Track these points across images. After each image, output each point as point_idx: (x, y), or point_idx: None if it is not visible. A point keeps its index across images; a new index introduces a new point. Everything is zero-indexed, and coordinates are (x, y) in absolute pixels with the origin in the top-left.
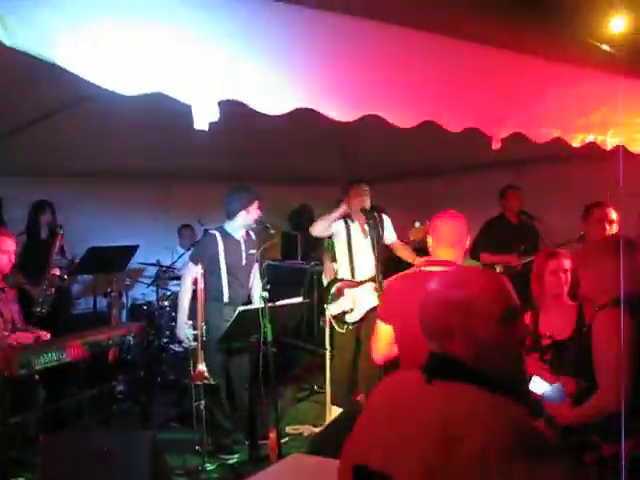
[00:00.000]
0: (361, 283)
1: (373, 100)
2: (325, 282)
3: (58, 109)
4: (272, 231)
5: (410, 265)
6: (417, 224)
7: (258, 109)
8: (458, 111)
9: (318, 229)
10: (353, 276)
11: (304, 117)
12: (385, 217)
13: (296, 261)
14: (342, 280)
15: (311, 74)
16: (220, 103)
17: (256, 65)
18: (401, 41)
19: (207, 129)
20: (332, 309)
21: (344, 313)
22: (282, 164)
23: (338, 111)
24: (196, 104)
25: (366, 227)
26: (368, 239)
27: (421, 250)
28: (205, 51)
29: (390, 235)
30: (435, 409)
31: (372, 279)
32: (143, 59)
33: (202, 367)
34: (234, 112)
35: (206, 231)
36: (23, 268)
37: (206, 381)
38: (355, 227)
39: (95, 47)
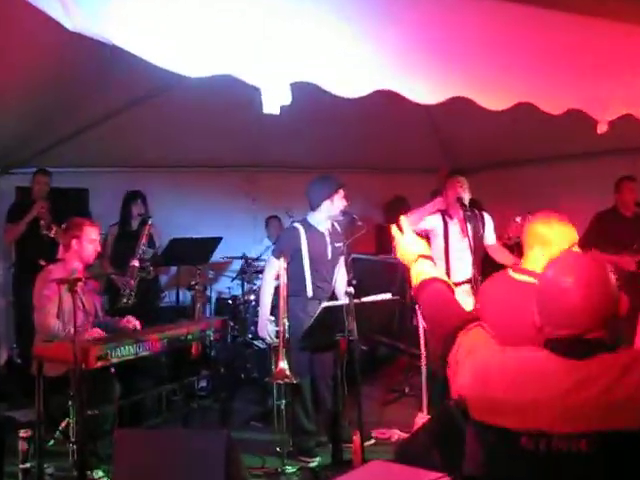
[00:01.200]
0: (457, 285)
1: (460, 80)
2: None
3: (142, 99)
4: (360, 223)
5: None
6: (518, 220)
7: (333, 92)
8: (557, 91)
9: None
10: (449, 276)
11: (399, 101)
12: (486, 215)
13: (389, 256)
14: None
15: (391, 52)
16: (296, 86)
17: (330, 44)
18: (489, 14)
19: (278, 113)
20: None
21: None
22: (377, 152)
23: (421, 93)
24: (265, 86)
25: (468, 225)
26: (467, 239)
27: (519, 248)
28: (274, 28)
29: (490, 235)
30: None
31: (469, 281)
32: (209, 38)
33: (284, 365)
34: (320, 97)
35: (290, 225)
36: (114, 258)
37: (288, 380)
38: (454, 225)
39: (158, 27)
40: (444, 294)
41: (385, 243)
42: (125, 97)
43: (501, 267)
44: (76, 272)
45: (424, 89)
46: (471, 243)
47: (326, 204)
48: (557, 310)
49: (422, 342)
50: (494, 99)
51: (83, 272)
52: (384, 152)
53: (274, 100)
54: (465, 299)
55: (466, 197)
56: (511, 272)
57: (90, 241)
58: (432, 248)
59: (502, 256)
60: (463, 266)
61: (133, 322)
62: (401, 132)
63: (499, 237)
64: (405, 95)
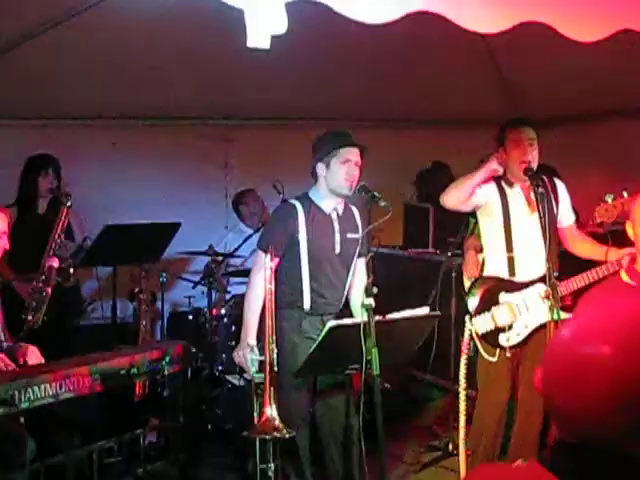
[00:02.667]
0: (524, 285)
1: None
2: (467, 283)
3: (58, 18)
4: (383, 203)
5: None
6: (609, 198)
7: (349, 15)
8: None
9: (452, 199)
10: (512, 273)
11: (441, 28)
12: (559, 184)
13: (425, 250)
14: (493, 279)
15: None
16: (290, 6)
17: None
18: None
19: (268, 47)
20: (478, 324)
21: (497, 331)
22: (407, 99)
23: (475, 18)
24: (250, 7)
25: (532, 197)
26: (535, 216)
27: (615, 238)
28: None
29: (566, 214)
30: None
31: (541, 279)
32: None
33: (272, 412)
34: (328, 22)
35: (283, 202)
36: (11, 257)
37: (277, 434)
38: (516, 196)
39: None
40: None
41: (418, 230)
42: (33, 17)
43: (584, 263)
44: None
45: (481, 12)
46: (544, 222)
47: (320, 169)
48: None
49: (462, 376)
50: (584, 26)
51: None
52: (416, 99)
53: (263, 28)
54: (538, 306)
55: (534, 158)
56: (624, 276)
57: None
58: (486, 231)
59: (585, 247)
60: (534, 257)
61: (33, 357)
62: (442, 71)
63: (582, 225)
64: (452, 19)
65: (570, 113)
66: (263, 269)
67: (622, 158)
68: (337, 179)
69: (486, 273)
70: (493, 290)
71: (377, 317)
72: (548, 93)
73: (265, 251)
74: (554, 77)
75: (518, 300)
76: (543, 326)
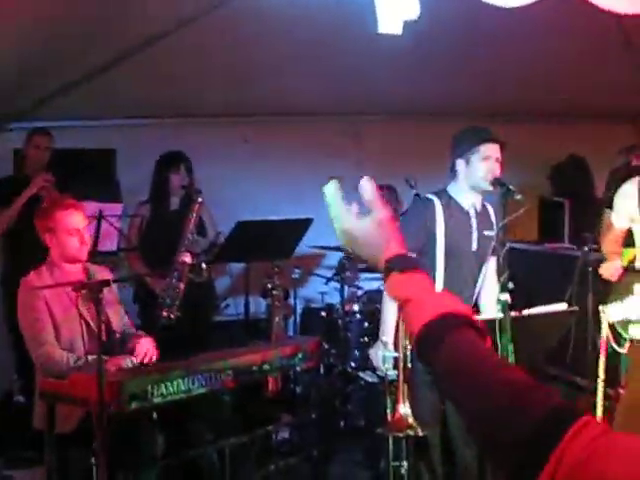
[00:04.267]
0: None
1: None
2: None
3: (185, 21)
4: (518, 196)
5: None
6: None
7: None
8: None
9: None
10: None
11: (581, 13)
12: None
13: (561, 244)
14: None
15: None
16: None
17: None
18: None
19: (400, 32)
20: (612, 312)
21: (628, 322)
22: (545, 92)
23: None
24: None
25: None
26: None
27: None
28: None
29: None
30: None
31: None
32: None
33: (405, 410)
34: (463, 8)
35: (417, 197)
36: (145, 252)
37: (410, 432)
38: None
39: None
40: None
41: (553, 225)
42: (164, 19)
43: None
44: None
45: None
46: None
47: (460, 165)
48: None
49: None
50: None
51: (85, 273)
52: (553, 92)
53: (394, 13)
54: None
55: None
56: None
57: (68, 232)
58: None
59: None
60: None
61: (146, 349)
62: (580, 62)
63: None
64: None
65: None
66: None
67: None
68: (477, 176)
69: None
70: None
71: (513, 313)
72: None
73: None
74: None
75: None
76: None
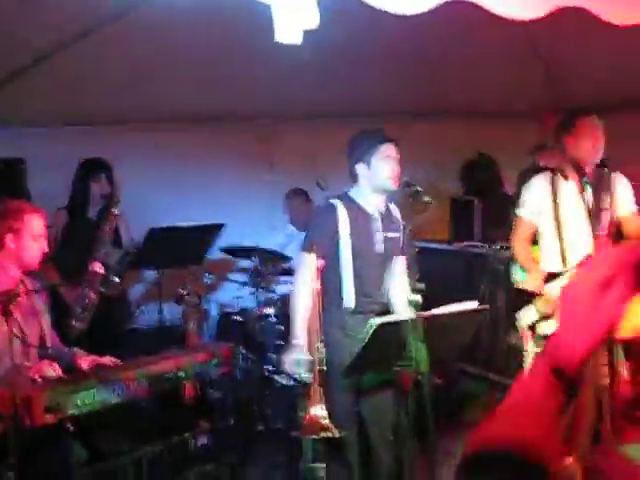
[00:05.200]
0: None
1: None
2: (517, 276)
3: (95, 26)
4: (426, 198)
5: None
6: None
7: (384, 7)
8: None
9: None
10: (564, 263)
11: (480, 17)
12: (619, 177)
13: (471, 242)
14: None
15: None
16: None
17: None
18: None
19: (299, 42)
20: (524, 316)
21: (542, 321)
22: (451, 90)
23: (514, 4)
24: (277, 3)
25: (587, 187)
26: (584, 208)
27: None
28: None
29: (626, 204)
30: None
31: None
32: None
33: (319, 412)
34: (364, 15)
35: (324, 202)
36: (60, 261)
37: (326, 433)
38: (568, 189)
39: None
40: None
41: (464, 224)
42: (67, 26)
43: None
44: None
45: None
46: (590, 211)
47: (361, 170)
48: None
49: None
50: (623, 9)
51: (25, 281)
52: (460, 89)
53: (293, 22)
54: None
55: (600, 148)
56: None
57: (34, 237)
58: (540, 224)
59: None
60: (583, 245)
61: (91, 359)
62: (485, 60)
63: None
64: (489, 8)
65: (623, 99)
66: (308, 269)
67: None
68: (381, 176)
69: (542, 266)
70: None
71: (424, 313)
72: (596, 79)
73: (309, 251)
74: (601, 63)
75: (558, 287)
76: None
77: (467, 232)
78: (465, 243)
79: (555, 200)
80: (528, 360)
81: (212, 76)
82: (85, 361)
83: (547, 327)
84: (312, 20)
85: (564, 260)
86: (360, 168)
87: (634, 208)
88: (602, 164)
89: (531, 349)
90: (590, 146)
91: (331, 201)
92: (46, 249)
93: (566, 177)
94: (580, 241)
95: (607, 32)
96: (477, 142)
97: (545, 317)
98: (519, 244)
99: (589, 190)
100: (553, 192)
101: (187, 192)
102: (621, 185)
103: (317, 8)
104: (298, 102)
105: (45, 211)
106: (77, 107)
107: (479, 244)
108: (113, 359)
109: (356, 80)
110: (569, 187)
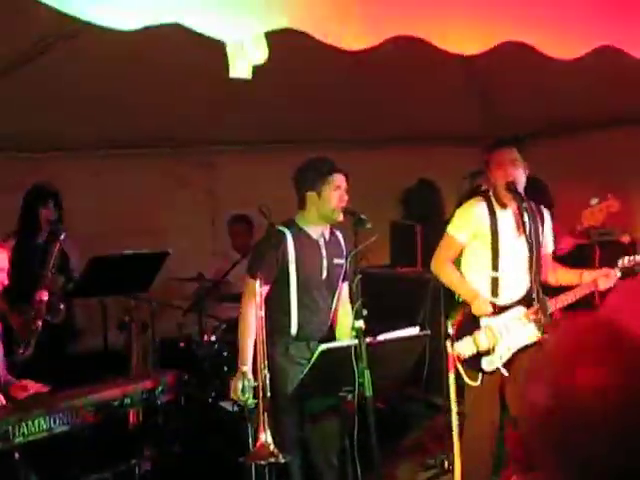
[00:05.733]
0: (505, 308)
1: (512, 19)
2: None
3: (43, 48)
4: (369, 225)
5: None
6: (594, 201)
7: (331, 43)
8: None
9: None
10: (496, 294)
11: (421, 50)
12: (545, 211)
13: (413, 268)
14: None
15: None
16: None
17: None
18: None
19: (250, 77)
20: (460, 348)
21: (479, 355)
22: (392, 118)
23: (456, 40)
24: (231, 40)
25: (526, 219)
26: (523, 239)
27: (604, 249)
28: None
29: (547, 242)
30: None
31: (525, 301)
32: None
33: (266, 438)
34: (310, 49)
35: (270, 228)
36: (8, 288)
37: (272, 459)
38: (506, 217)
39: None
40: None
41: (405, 249)
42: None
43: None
44: None
45: (461, 34)
46: (532, 244)
47: (311, 198)
48: None
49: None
50: (564, 44)
51: None
52: (401, 117)
53: (244, 60)
54: (520, 328)
55: (521, 179)
56: None
57: None
58: (472, 252)
59: (559, 274)
60: (518, 278)
61: (33, 388)
62: (425, 89)
63: (569, 232)
64: (434, 42)
65: (552, 125)
66: (253, 296)
67: (605, 168)
68: (330, 206)
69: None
70: (472, 314)
71: (368, 339)
72: (530, 109)
73: (254, 277)
74: (534, 90)
75: (499, 323)
76: (527, 348)
77: (408, 257)
78: (407, 268)
79: (493, 227)
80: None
81: (152, 104)
82: (20, 389)
83: (489, 362)
84: (262, 56)
85: (495, 292)
86: (310, 196)
87: (552, 248)
88: (540, 185)
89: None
90: (502, 177)
91: (278, 227)
92: (6, 282)
93: (504, 205)
94: (514, 275)
95: (543, 63)
96: (420, 167)
97: (484, 352)
98: (448, 266)
99: (527, 220)
100: (492, 218)
101: (128, 219)
102: (547, 221)
103: (266, 44)
104: (237, 129)
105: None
106: (19, 132)
107: (420, 269)
108: (46, 387)
109: (293, 107)
110: (507, 215)
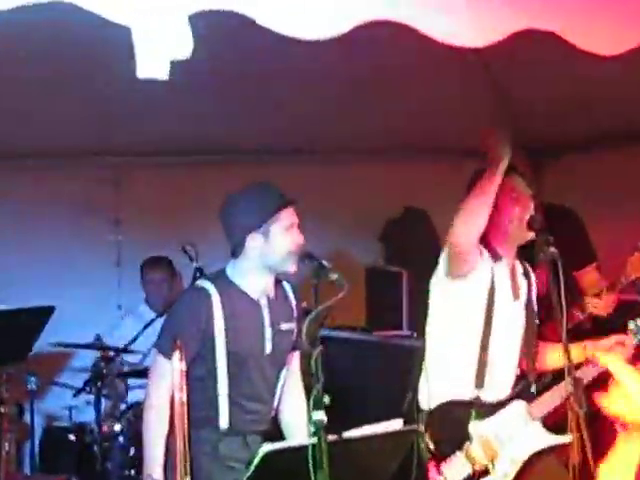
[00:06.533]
0: (497, 406)
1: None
2: None
3: None
4: (334, 276)
5: None
6: None
7: (278, 30)
8: None
9: (471, 230)
10: (480, 384)
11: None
12: (531, 270)
13: (397, 332)
14: (454, 404)
15: None
16: (195, 19)
17: None
18: None
19: (166, 76)
20: (450, 473)
21: (477, 475)
22: (360, 125)
23: (457, 26)
24: (139, 27)
25: (520, 278)
26: (518, 303)
27: None
28: None
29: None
30: None
31: (517, 395)
32: None
33: None
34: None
35: (198, 274)
36: None
37: None
38: (502, 273)
39: None
40: None
41: (386, 304)
42: None
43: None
44: None
45: (458, 22)
46: (530, 308)
47: (255, 241)
48: None
49: None
50: (602, 37)
51: None
52: (380, 122)
53: (158, 54)
54: (523, 431)
55: (526, 218)
56: None
57: None
58: (452, 316)
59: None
60: (508, 361)
61: None
62: (411, 89)
63: (611, 286)
64: (422, 30)
65: (582, 138)
66: (167, 375)
67: None
68: (282, 251)
69: (440, 387)
70: (458, 419)
71: (330, 436)
72: (556, 112)
73: (169, 351)
74: (561, 94)
75: (494, 428)
76: (538, 454)
77: (391, 316)
78: (388, 331)
79: (491, 282)
80: None
81: (42, 109)
82: None
83: None
84: (184, 48)
85: (480, 381)
86: (253, 240)
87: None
88: (569, 216)
89: None
90: (519, 212)
91: (202, 284)
92: None
93: (498, 256)
94: (505, 355)
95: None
96: (403, 191)
97: (481, 472)
98: None
99: (521, 275)
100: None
101: (6, 262)
102: (532, 278)
103: (190, 32)
104: (152, 139)
105: None
106: None
107: (407, 332)
108: None
109: (240, 113)
110: (502, 268)
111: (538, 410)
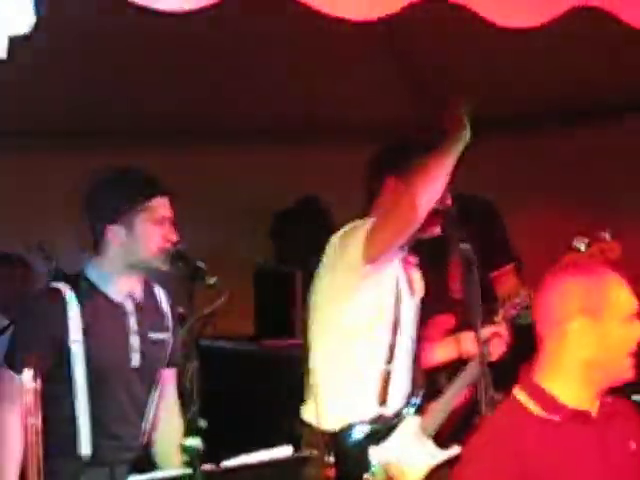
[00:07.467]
0: (391, 426)
1: None
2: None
3: None
4: (212, 280)
5: None
6: (581, 245)
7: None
8: None
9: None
10: (383, 400)
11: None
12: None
13: (289, 340)
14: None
15: None
16: None
17: None
18: None
19: (4, 55)
20: None
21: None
22: (241, 104)
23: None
24: None
25: (414, 273)
26: (414, 301)
27: None
28: None
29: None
30: None
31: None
32: None
33: None
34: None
35: (53, 277)
36: None
37: None
38: (399, 266)
39: None
40: None
41: (277, 309)
42: None
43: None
44: None
45: None
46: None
47: (115, 234)
48: None
49: None
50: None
51: None
52: (266, 98)
53: None
54: (421, 449)
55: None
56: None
57: None
58: (357, 323)
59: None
60: (406, 370)
61: None
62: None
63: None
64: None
65: (497, 114)
66: (15, 395)
67: (583, 177)
68: (149, 247)
69: (337, 407)
70: (358, 443)
71: (207, 465)
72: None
73: (19, 366)
74: (478, 63)
75: (395, 452)
76: (442, 468)
77: (281, 322)
78: (280, 340)
79: (395, 281)
80: None
81: None
82: None
83: None
84: (24, 23)
85: (383, 397)
86: (114, 233)
87: None
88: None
89: None
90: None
91: (56, 286)
92: None
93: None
94: (406, 362)
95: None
96: (295, 177)
97: None
98: None
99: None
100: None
101: None
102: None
103: (32, 8)
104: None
105: None
106: None
107: (300, 341)
108: None
109: (100, 89)
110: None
111: (431, 423)
